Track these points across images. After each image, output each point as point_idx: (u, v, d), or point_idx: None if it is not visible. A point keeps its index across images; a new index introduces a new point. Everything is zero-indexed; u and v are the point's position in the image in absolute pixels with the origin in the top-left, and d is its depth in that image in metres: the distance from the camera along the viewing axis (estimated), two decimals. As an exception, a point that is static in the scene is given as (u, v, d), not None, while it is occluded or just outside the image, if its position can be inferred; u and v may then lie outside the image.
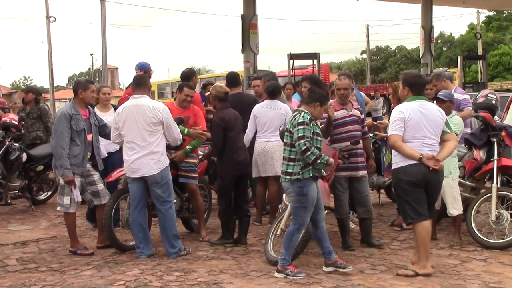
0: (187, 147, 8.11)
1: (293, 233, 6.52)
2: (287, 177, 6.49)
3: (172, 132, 7.43)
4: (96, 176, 7.82)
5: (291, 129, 6.47)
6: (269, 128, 9.01)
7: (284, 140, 6.62)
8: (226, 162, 7.96)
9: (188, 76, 9.57)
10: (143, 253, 7.38)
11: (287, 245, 6.52)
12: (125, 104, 7.49)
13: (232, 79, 9.78)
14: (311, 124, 6.47)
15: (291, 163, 6.47)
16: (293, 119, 6.51)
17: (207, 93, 9.17)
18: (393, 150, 6.63)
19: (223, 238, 8.02)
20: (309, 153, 6.32)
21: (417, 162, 6.32)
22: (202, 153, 8.75)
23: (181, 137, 7.66)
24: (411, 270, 6.45)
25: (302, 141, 6.34)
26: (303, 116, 6.46)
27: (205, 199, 8.79)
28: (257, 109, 9.16)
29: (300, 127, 6.40)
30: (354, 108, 7.80)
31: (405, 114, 6.42)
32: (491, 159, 7.84)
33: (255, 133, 9.18)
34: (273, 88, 9.28)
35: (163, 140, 7.43)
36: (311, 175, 6.44)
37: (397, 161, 6.49)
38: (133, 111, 7.33)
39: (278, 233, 7.14)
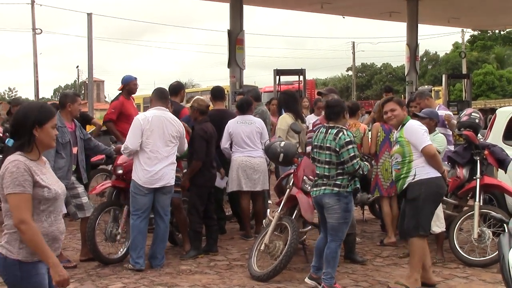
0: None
1: (336, 250, 6.48)
2: (335, 188, 6.39)
3: (184, 144, 7.79)
4: (81, 189, 7.80)
5: (337, 149, 6.37)
6: (249, 143, 9.02)
7: (327, 159, 6.44)
8: (205, 174, 8.08)
9: (177, 89, 9.53)
10: (138, 263, 7.38)
11: (332, 263, 6.46)
12: (153, 113, 7.56)
13: (217, 93, 9.67)
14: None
15: (340, 177, 6.41)
16: (337, 138, 6.39)
17: (187, 105, 9.17)
18: (412, 162, 6.51)
19: (195, 250, 8.06)
20: (360, 169, 6.41)
21: (440, 175, 6.52)
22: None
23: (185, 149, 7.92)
24: (403, 285, 6.48)
25: (355, 161, 6.34)
26: (347, 134, 6.43)
27: (186, 213, 8.77)
28: (231, 124, 9.12)
29: (349, 146, 6.36)
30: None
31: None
32: (474, 177, 7.91)
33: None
34: (241, 103, 9.40)
35: None
36: (355, 187, 6.50)
37: (428, 172, 6.47)
38: (162, 122, 7.49)
39: (262, 248, 7.16)
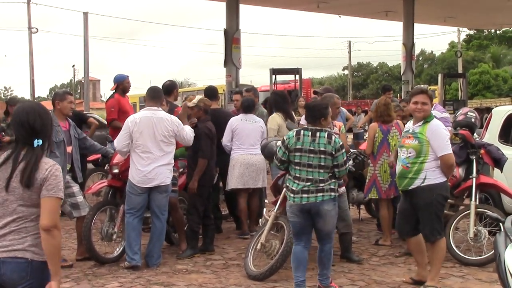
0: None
1: (331, 250, 6.52)
2: (332, 193, 6.24)
3: (186, 135, 7.65)
4: (76, 188, 7.78)
5: (332, 152, 6.20)
6: (250, 141, 9.07)
7: (321, 163, 6.21)
8: (206, 174, 8.09)
9: (170, 89, 9.52)
10: (134, 259, 7.39)
11: (327, 264, 6.49)
12: (142, 114, 7.57)
13: (211, 92, 9.72)
14: None
15: (333, 180, 6.29)
16: (332, 141, 6.22)
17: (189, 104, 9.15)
18: (424, 163, 6.43)
19: (191, 249, 8.07)
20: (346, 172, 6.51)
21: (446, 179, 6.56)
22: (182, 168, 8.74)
23: (192, 138, 7.81)
24: (433, 286, 6.49)
25: (347, 165, 6.38)
26: (338, 139, 6.39)
27: (185, 213, 8.78)
28: (235, 121, 9.20)
29: (343, 150, 6.31)
30: (335, 126, 7.81)
31: None
32: (470, 177, 7.91)
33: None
34: (248, 103, 9.46)
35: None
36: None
37: (437, 176, 6.46)
38: (152, 122, 7.45)
39: (258, 247, 7.15)
